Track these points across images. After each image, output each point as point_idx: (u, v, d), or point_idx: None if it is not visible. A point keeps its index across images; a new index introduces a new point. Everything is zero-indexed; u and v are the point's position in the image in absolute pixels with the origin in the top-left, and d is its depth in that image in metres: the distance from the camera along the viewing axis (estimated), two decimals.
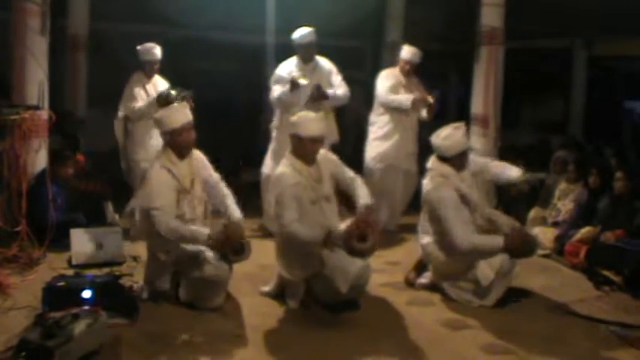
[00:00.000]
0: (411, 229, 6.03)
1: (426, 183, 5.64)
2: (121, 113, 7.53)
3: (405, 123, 7.74)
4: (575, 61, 11.96)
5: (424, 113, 7.66)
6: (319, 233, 4.96)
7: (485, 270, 5.34)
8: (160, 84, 7.53)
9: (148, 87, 7.48)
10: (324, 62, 7.47)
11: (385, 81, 7.76)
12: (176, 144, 5.21)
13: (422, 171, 6.12)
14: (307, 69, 7.33)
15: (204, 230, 4.99)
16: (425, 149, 7.61)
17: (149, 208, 4.98)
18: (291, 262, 5.24)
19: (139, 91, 7.43)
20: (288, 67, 7.37)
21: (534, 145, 10.95)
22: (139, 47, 7.42)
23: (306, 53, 7.31)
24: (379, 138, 7.77)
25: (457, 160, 5.59)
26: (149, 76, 7.52)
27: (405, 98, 7.56)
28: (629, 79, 12.41)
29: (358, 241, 4.83)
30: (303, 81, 7.04)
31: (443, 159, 5.60)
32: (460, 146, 5.58)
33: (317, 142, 5.27)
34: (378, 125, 7.79)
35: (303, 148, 5.24)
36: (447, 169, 5.56)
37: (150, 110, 7.01)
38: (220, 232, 4.97)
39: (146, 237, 5.27)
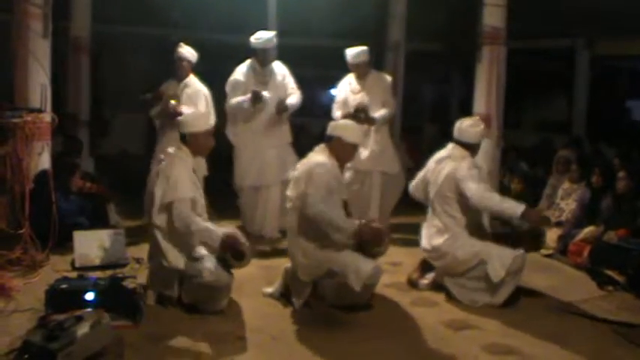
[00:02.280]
0: (413, 229, 6.02)
1: (450, 166, 5.66)
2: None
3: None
4: (578, 61, 11.94)
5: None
6: (350, 222, 5.12)
7: (497, 267, 5.36)
8: (193, 86, 7.41)
9: (178, 90, 7.37)
10: (278, 66, 7.42)
11: (337, 95, 7.71)
12: (196, 146, 5.28)
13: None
14: (264, 73, 7.28)
15: (219, 231, 5.03)
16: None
17: (172, 201, 5.01)
18: (305, 260, 5.25)
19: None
20: (245, 71, 7.30)
21: (537, 145, 10.95)
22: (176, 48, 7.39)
23: (266, 58, 7.25)
24: None
25: (474, 150, 5.80)
26: (179, 79, 7.41)
27: (337, 115, 7.43)
28: (632, 78, 12.39)
29: (375, 246, 5.20)
30: (265, 93, 7.05)
31: (465, 145, 5.72)
32: (481, 137, 5.86)
33: (357, 149, 5.57)
34: None
35: (348, 153, 5.41)
36: (467, 153, 5.71)
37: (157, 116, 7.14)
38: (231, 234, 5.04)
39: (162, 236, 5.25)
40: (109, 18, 10.73)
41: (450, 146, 5.80)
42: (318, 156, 5.34)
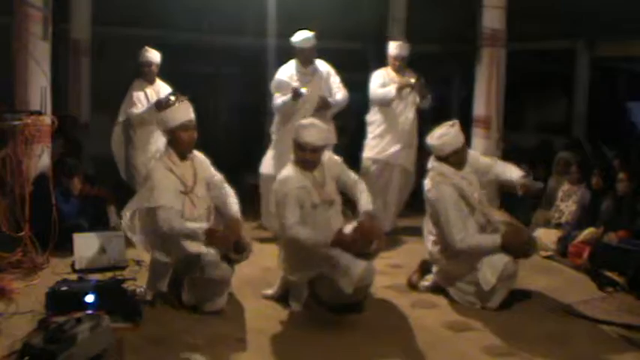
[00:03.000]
0: (413, 231, 6.03)
1: (426, 183, 5.66)
2: (120, 118, 7.59)
3: (400, 119, 7.72)
4: (578, 63, 11.93)
5: (419, 101, 7.70)
6: (323, 236, 5.01)
7: (487, 275, 5.32)
8: (162, 89, 7.55)
9: (149, 92, 7.50)
10: (322, 65, 7.51)
11: (375, 80, 7.79)
12: (177, 143, 5.23)
13: (421, 171, 6.13)
14: (307, 72, 7.37)
15: (202, 225, 5.03)
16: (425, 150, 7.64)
17: (153, 206, 4.98)
18: (294, 264, 5.26)
19: (138, 96, 7.46)
20: (289, 71, 7.41)
21: (537, 147, 10.94)
22: (141, 51, 7.45)
23: (306, 57, 7.35)
24: (376, 137, 7.79)
25: (454, 158, 5.59)
26: (150, 81, 7.53)
27: (388, 88, 7.59)
28: (632, 80, 12.38)
29: (364, 246, 5.01)
30: (304, 90, 7.10)
31: (440, 158, 5.62)
32: (455, 144, 5.57)
33: (317, 151, 5.29)
34: (375, 124, 7.80)
35: (304, 155, 5.27)
36: (445, 167, 5.57)
37: (150, 116, 7.11)
38: (221, 228, 5.03)
39: (146, 237, 5.25)
40: (109, 20, 10.73)
41: (431, 159, 5.73)
42: (286, 169, 5.34)
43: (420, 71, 7.81)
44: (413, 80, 7.56)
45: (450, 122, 5.66)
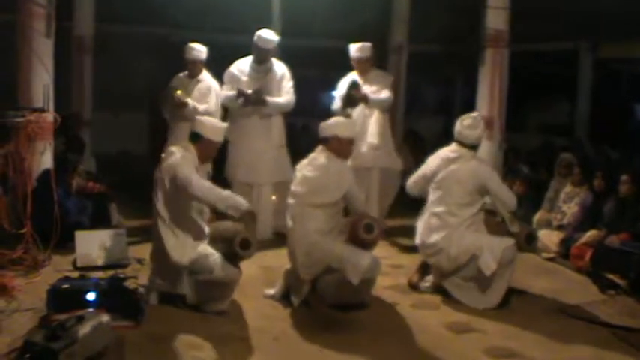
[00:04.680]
0: (412, 231, 6.02)
1: (473, 164, 5.74)
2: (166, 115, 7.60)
3: (367, 123, 7.55)
4: (581, 64, 11.94)
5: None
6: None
7: (488, 260, 5.39)
8: (205, 82, 7.52)
9: (190, 86, 7.49)
10: (279, 66, 7.47)
11: (338, 90, 7.69)
12: (202, 151, 5.28)
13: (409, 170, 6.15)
14: (259, 70, 7.36)
15: (243, 200, 5.12)
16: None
17: (183, 174, 4.98)
18: (304, 260, 5.27)
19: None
20: (242, 66, 7.41)
21: (540, 148, 10.93)
22: (186, 48, 7.46)
23: (261, 56, 7.31)
24: None
25: (476, 150, 5.89)
26: (191, 76, 7.52)
27: (337, 102, 7.55)
28: (635, 81, 12.37)
29: (364, 233, 5.19)
30: (248, 91, 7.15)
31: (468, 147, 5.79)
32: (481, 137, 5.94)
33: (354, 143, 5.71)
34: None
35: (346, 149, 5.54)
36: (474, 153, 5.84)
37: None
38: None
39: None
40: (112, 17, 10.74)
41: (455, 147, 5.81)
42: (321, 158, 5.40)
43: (422, 71, 7.80)
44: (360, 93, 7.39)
45: (474, 114, 6.06)
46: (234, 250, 4.98)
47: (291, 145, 7.62)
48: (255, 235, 5.11)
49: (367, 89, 7.44)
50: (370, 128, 7.56)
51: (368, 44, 7.56)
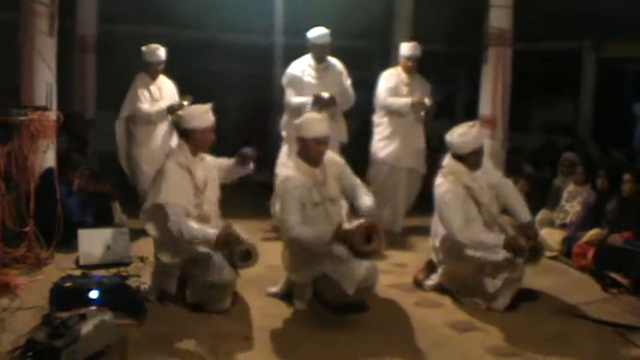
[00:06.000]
0: (419, 230, 6.03)
1: (437, 179, 5.64)
2: (123, 114, 7.53)
3: (407, 122, 7.68)
4: (585, 63, 11.91)
5: (422, 114, 7.68)
6: (324, 232, 4.99)
7: (492, 280, 5.35)
8: (165, 85, 7.54)
9: (152, 88, 7.47)
10: (336, 63, 7.46)
11: (385, 82, 7.73)
12: (194, 142, 5.25)
13: (430, 172, 6.10)
14: (319, 69, 7.34)
15: (211, 231, 5.01)
16: (434, 150, 7.65)
17: (164, 204, 4.99)
18: (297, 264, 5.26)
19: (142, 92, 7.42)
20: (301, 66, 7.37)
21: (543, 147, 10.92)
22: (143, 48, 7.42)
23: (320, 53, 7.31)
24: (384, 139, 7.72)
25: (471, 158, 5.57)
26: (153, 77, 7.51)
27: (403, 103, 7.54)
28: (639, 80, 12.34)
29: (363, 243, 4.88)
30: (325, 94, 7.06)
31: (457, 157, 5.60)
32: (474, 144, 5.54)
33: (321, 142, 5.29)
34: (383, 126, 7.76)
35: (308, 150, 5.26)
36: (459, 167, 5.56)
37: (158, 118, 7.20)
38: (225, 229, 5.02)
39: (155, 235, 5.26)
40: (115, 16, 10.74)
41: (447, 157, 5.71)
42: (285, 169, 5.35)
43: (424, 71, 7.80)
44: (427, 102, 7.51)
45: (471, 123, 5.69)
46: (233, 261, 5.00)
47: None
48: (247, 258, 5.08)
49: (414, 90, 7.60)
50: (415, 132, 7.75)
51: (418, 45, 7.64)
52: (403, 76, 7.73)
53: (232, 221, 5.33)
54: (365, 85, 7.98)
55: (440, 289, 5.76)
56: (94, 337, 4.01)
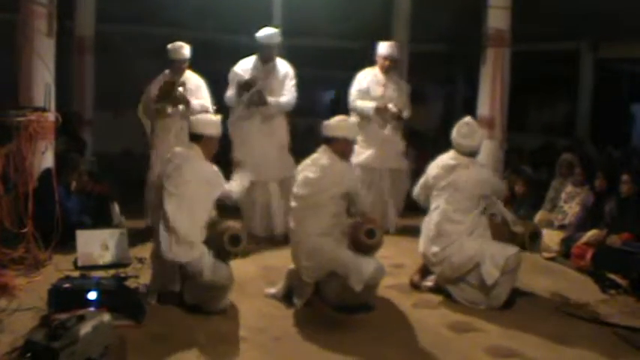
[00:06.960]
0: (415, 231, 6.02)
1: (465, 171, 5.67)
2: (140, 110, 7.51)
3: (383, 127, 7.68)
4: (582, 64, 11.93)
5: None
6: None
7: (490, 268, 5.37)
8: (190, 82, 7.41)
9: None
10: (282, 65, 7.42)
11: (357, 84, 7.74)
12: (206, 149, 5.28)
13: (420, 172, 6.13)
14: (264, 70, 7.30)
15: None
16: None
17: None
18: (308, 264, 5.26)
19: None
20: (246, 66, 7.35)
21: (541, 148, 10.93)
22: (168, 46, 7.32)
23: (267, 54, 7.27)
24: (361, 142, 7.46)
25: (475, 155, 5.81)
26: (178, 75, 7.42)
27: (369, 107, 7.54)
28: (636, 81, 12.37)
29: (366, 236, 5.15)
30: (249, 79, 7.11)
31: (464, 154, 5.73)
32: (479, 142, 5.84)
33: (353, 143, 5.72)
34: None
35: (350, 150, 5.59)
36: (472, 159, 5.78)
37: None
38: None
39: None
40: (113, 17, 10.74)
41: (453, 154, 5.77)
42: (325, 158, 5.38)
43: (424, 71, 7.80)
44: (393, 109, 7.50)
45: (467, 119, 5.88)
46: (223, 246, 4.99)
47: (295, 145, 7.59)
48: (236, 244, 5.10)
49: (389, 91, 7.62)
50: (391, 132, 7.73)
51: (397, 44, 7.65)
52: (380, 76, 7.73)
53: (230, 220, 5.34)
54: None
55: (437, 289, 5.77)
56: (92, 339, 4.01)
